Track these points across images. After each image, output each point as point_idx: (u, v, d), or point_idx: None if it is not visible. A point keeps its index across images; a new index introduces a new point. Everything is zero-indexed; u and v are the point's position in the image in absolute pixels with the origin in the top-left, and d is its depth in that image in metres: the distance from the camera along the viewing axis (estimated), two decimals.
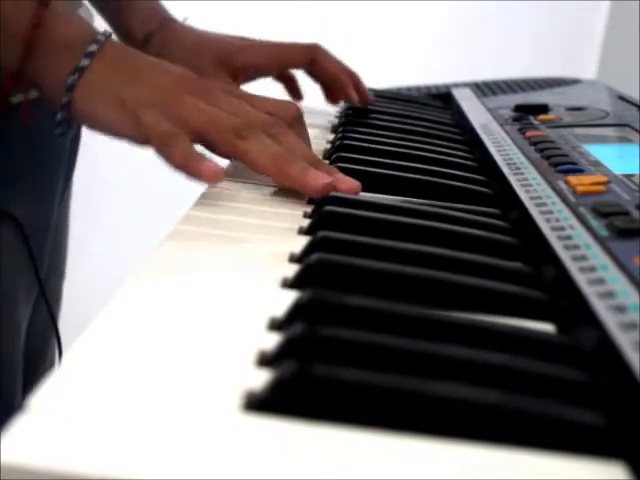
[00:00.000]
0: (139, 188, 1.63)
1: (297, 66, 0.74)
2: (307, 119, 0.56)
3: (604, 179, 0.48)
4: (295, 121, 0.54)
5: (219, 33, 0.74)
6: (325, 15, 1.59)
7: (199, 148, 0.50)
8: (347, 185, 0.49)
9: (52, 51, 0.51)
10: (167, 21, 0.73)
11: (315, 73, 0.73)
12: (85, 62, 0.50)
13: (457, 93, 0.84)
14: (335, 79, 0.73)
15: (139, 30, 0.72)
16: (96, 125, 0.52)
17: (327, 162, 0.59)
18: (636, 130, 0.62)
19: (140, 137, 0.50)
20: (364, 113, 0.74)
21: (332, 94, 0.76)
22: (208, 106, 0.50)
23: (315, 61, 0.72)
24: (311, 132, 0.57)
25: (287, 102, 0.57)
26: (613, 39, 1.59)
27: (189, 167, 0.48)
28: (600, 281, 0.35)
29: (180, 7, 0.77)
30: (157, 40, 0.71)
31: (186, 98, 0.50)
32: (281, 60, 0.73)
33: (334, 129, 0.72)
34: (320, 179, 0.48)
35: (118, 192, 1.67)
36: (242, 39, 0.74)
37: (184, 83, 0.52)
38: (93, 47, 0.50)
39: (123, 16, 0.73)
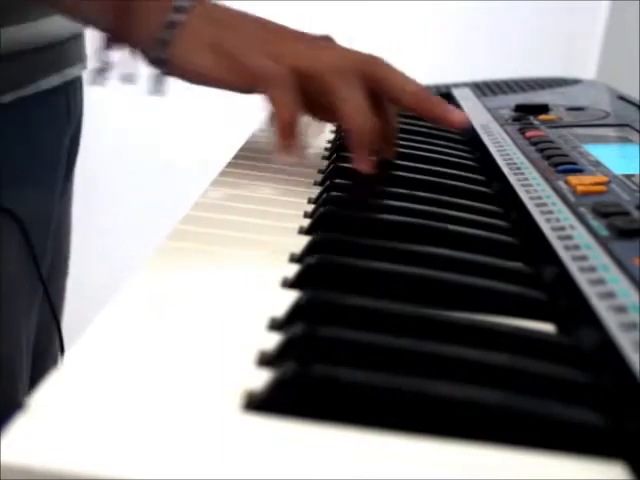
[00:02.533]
0: (139, 188, 1.64)
1: None
2: (307, 119, 0.56)
3: (604, 179, 0.48)
4: (383, 70, 0.54)
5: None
6: (325, 15, 1.59)
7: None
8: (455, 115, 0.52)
9: (144, 9, 0.52)
10: None
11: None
12: (178, 16, 0.51)
13: (457, 93, 0.84)
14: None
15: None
16: (196, 76, 0.53)
17: (327, 162, 0.59)
18: (636, 130, 0.62)
19: (246, 83, 0.51)
20: None
21: None
22: (309, 49, 0.51)
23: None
24: (311, 133, 0.57)
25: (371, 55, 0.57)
26: (613, 39, 1.59)
27: (285, 124, 0.49)
28: (600, 281, 0.35)
29: None
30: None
31: (284, 42, 0.51)
32: None
33: (335, 129, 0.72)
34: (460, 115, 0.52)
35: (118, 192, 1.67)
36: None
37: (280, 31, 0.53)
38: (184, 2, 0.51)
39: None
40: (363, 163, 0.50)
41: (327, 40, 0.55)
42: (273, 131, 0.51)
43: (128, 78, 0.56)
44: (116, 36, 0.53)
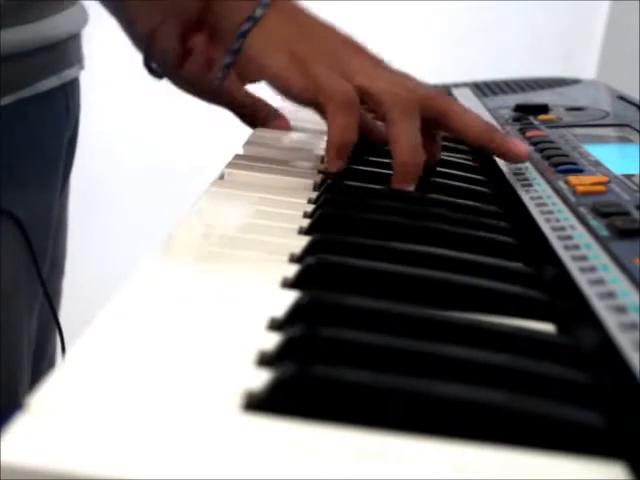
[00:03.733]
0: (139, 188, 1.64)
1: None
2: (307, 119, 0.56)
3: (604, 179, 0.48)
4: (450, 106, 0.54)
5: None
6: (325, 15, 1.59)
7: None
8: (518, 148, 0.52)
9: (229, 1, 0.53)
10: None
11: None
12: (260, 12, 0.52)
13: (457, 93, 0.84)
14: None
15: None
16: (264, 73, 0.53)
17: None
18: (636, 130, 0.62)
19: (307, 89, 0.51)
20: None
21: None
22: (378, 69, 0.52)
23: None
24: (311, 134, 0.57)
25: (439, 90, 0.58)
26: (613, 39, 1.59)
27: (341, 139, 0.50)
28: (600, 281, 0.35)
29: None
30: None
31: (355, 58, 0.52)
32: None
33: None
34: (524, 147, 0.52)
35: (118, 192, 1.67)
36: None
37: (353, 46, 0.53)
38: None
39: None
40: (401, 186, 0.51)
41: (393, 68, 0.55)
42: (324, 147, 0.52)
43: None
44: (197, 26, 0.55)
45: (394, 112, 0.50)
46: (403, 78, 0.53)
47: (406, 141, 0.50)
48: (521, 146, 0.53)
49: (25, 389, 0.70)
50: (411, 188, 0.51)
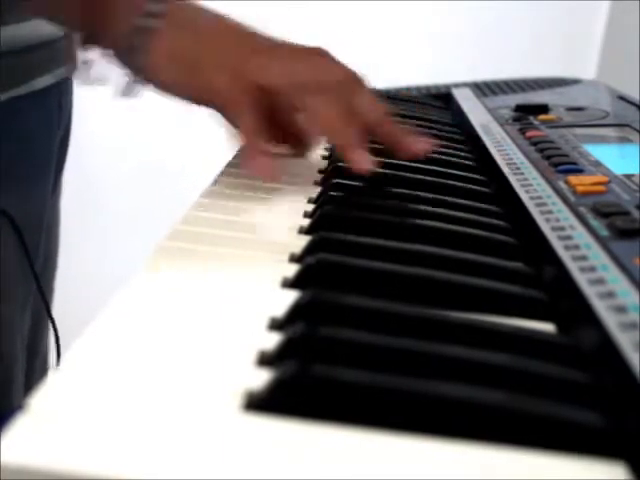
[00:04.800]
0: (139, 188, 1.63)
1: None
2: None
3: (604, 179, 0.48)
4: (357, 96, 0.53)
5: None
6: (325, 15, 1.59)
7: None
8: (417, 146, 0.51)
9: (119, 11, 0.51)
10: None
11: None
12: (152, 22, 0.50)
13: (457, 93, 0.84)
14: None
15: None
16: (161, 85, 0.52)
17: (327, 162, 0.59)
18: (636, 130, 0.62)
19: (205, 98, 0.50)
20: None
21: None
22: (276, 64, 0.50)
23: None
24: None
25: (353, 73, 0.56)
26: (613, 39, 1.59)
27: (247, 149, 0.49)
28: (600, 281, 0.35)
29: None
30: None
31: (252, 58, 0.50)
32: None
33: None
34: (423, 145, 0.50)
35: (117, 192, 1.67)
36: None
37: (251, 42, 0.51)
38: (161, 7, 0.50)
39: None
40: (358, 163, 0.49)
41: (317, 53, 0.53)
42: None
43: (100, 79, 0.55)
44: (88, 37, 0.52)
45: (301, 98, 0.50)
46: (314, 64, 0.52)
47: (323, 117, 0.49)
48: (423, 143, 0.52)
49: (20, 385, 0.70)
50: (366, 165, 0.49)
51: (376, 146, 0.61)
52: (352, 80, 0.52)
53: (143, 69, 0.50)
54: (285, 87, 0.50)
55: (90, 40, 0.53)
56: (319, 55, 0.54)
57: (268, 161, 0.49)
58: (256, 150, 0.49)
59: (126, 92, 0.53)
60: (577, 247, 0.39)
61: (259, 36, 0.53)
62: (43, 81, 0.64)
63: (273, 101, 0.50)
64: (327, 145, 0.66)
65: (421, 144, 0.51)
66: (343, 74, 0.52)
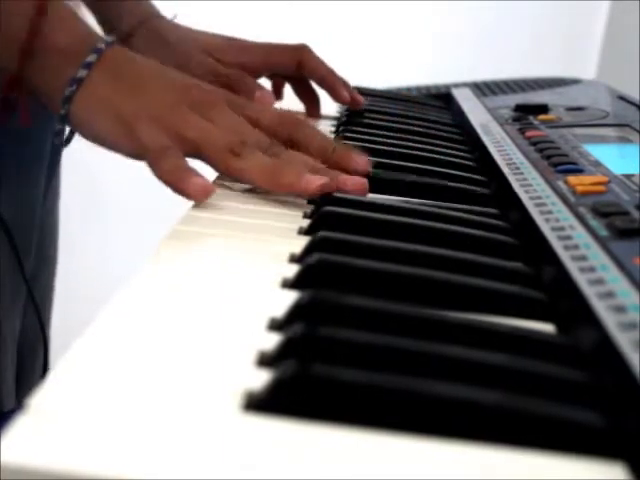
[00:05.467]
0: (139, 188, 1.63)
1: (285, 67, 0.72)
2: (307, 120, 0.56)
3: (604, 179, 0.48)
4: (298, 129, 0.53)
5: (206, 31, 0.73)
6: (325, 15, 1.59)
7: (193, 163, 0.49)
8: (353, 183, 0.49)
9: (50, 59, 0.50)
10: (152, 16, 0.72)
11: (303, 74, 0.73)
12: (83, 73, 0.49)
13: (457, 93, 0.84)
14: (323, 80, 0.72)
15: (123, 24, 0.70)
16: (91, 136, 0.51)
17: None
18: (636, 130, 0.62)
19: (135, 151, 0.49)
20: (364, 113, 0.74)
21: (312, 104, 0.75)
22: (205, 122, 0.50)
23: (302, 63, 0.71)
24: None
25: (288, 112, 0.56)
26: (613, 39, 1.59)
27: (176, 182, 0.47)
28: (600, 281, 0.35)
29: (168, 6, 0.77)
30: (141, 35, 0.70)
31: (184, 112, 0.50)
32: (268, 61, 0.72)
33: (334, 129, 0.72)
34: (316, 180, 0.48)
35: (117, 192, 1.67)
36: (230, 39, 0.73)
37: (185, 95, 0.51)
38: (92, 57, 0.49)
39: (107, 9, 0.72)
40: (310, 188, 0.48)
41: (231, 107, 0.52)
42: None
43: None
44: (20, 81, 0.51)
45: (220, 158, 0.49)
46: (237, 122, 0.51)
47: (248, 171, 0.49)
48: (354, 181, 0.50)
49: (10, 387, 0.70)
50: (356, 188, 0.49)
51: (373, 146, 0.61)
52: (271, 141, 0.52)
53: (67, 118, 0.50)
54: (207, 146, 0.49)
55: (22, 86, 0.51)
56: (254, 108, 0.54)
57: (199, 185, 0.47)
58: (185, 174, 0.47)
59: (58, 139, 0.52)
60: (577, 247, 0.39)
61: (202, 90, 0.52)
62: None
63: (199, 155, 0.50)
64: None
65: (316, 181, 0.48)
66: (262, 136, 0.51)
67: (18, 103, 0.56)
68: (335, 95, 0.72)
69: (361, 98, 0.74)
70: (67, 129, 0.54)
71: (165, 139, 0.48)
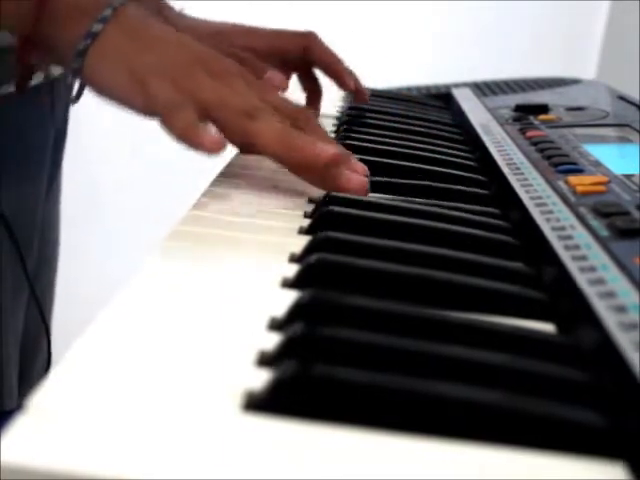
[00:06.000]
0: (139, 188, 1.63)
1: (291, 52, 0.72)
2: None
3: (604, 179, 0.48)
4: (308, 121, 0.53)
5: (213, 20, 0.73)
6: (325, 15, 1.59)
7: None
8: (357, 181, 0.49)
9: (65, 14, 0.50)
10: (163, 7, 0.73)
11: (310, 61, 0.73)
12: (98, 27, 0.49)
13: (457, 93, 0.84)
14: (329, 67, 0.72)
15: None
16: (103, 90, 0.51)
17: None
18: (636, 130, 0.62)
19: (147, 107, 0.49)
20: (364, 113, 0.74)
21: (314, 95, 0.75)
22: (220, 85, 0.49)
23: (310, 48, 0.71)
24: None
25: (300, 106, 0.55)
26: (613, 39, 1.59)
27: (190, 136, 0.47)
28: (600, 281, 0.35)
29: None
30: None
31: (198, 74, 0.49)
32: (275, 45, 0.72)
33: (334, 129, 0.72)
34: (330, 149, 0.48)
35: (118, 192, 1.67)
36: (236, 24, 0.73)
37: (200, 59, 0.51)
38: (107, 12, 0.49)
39: None
40: (323, 155, 0.48)
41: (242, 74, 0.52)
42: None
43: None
44: (34, 42, 0.51)
45: (238, 122, 0.49)
46: (248, 91, 0.51)
47: (262, 134, 0.48)
48: (356, 180, 0.49)
49: (12, 387, 0.70)
50: (357, 184, 0.49)
51: (373, 146, 0.61)
52: (287, 108, 0.52)
53: (81, 70, 0.50)
54: (224, 109, 0.49)
55: (35, 45, 0.52)
56: (267, 90, 0.53)
57: (214, 138, 0.47)
58: (199, 128, 0.47)
59: (69, 94, 0.52)
60: (577, 247, 0.39)
61: (218, 59, 0.52)
62: (34, 79, 0.64)
63: (212, 118, 0.49)
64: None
65: (331, 150, 0.49)
66: (279, 102, 0.51)
67: (34, 70, 0.56)
68: (340, 82, 0.72)
69: (366, 91, 0.74)
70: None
71: (178, 96, 0.48)
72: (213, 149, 0.47)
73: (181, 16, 0.73)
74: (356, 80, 0.73)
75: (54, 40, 0.51)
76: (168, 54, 0.50)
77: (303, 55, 0.72)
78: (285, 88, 0.69)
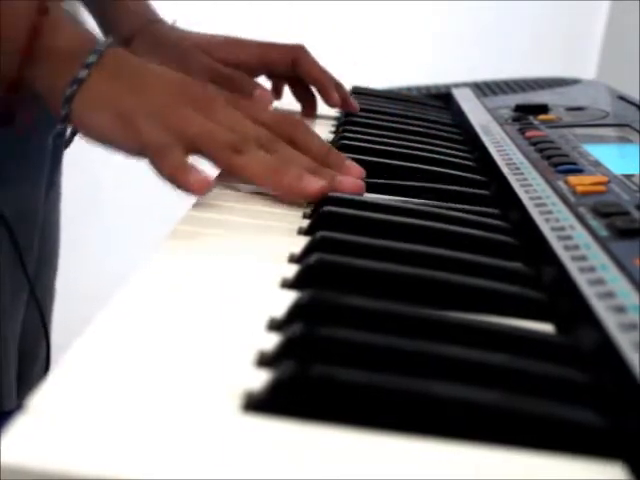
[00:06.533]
0: (139, 188, 1.63)
1: (280, 65, 0.73)
2: (307, 120, 0.56)
3: (604, 179, 0.48)
4: (296, 131, 0.53)
5: (204, 33, 0.74)
6: (325, 15, 1.59)
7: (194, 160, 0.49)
8: (349, 184, 0.49)
9: (50, 61, 0.50)
10: (152, 22, 0.73)
11: (298, 74, 0.73)
12: (83, 73, 0.49)
13: (457, 93, 0.84)
14: (315, 81, 0.73)
15: (123, 28, 0.71)
16: (93, 135, 0.51)
17: None
18: (636, 130, 0.62)
19: (136, 148, 0.49)
20: (364, 113, 0.74)
21: (308, 103, 0.75)
22: (206, 119, 0.50)
23: (298, 62, 0.72)
24: None
25: (287, 114, 0.56)
26: (613, 39, 1.59)
27: (177, 178, 0.47)
28: (600, 281, 0.35)
29: (164, 7, 0.77)
30: (141, 38, 0.71)
31: (184, 110, 0.50)
32: (264, 59, 0.72)
33: (333, 130, 0.72)
34: (315, 183, 0.48)
35: (118, 192, 1.67)
36: (227, 37, 0.73)
37: (184, 93, 0.51)
38: (92, 58, 0.49)
39: (108, 13, 0.72)
40: (309, 191, 0.48)
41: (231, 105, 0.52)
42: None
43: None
44: (20, 86, 0.51)
45: (223, 157, 0.49)
46: (237, 119, 0.51)
47: (249, 168, 0.49)
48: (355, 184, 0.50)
49: (11, 388, 0.70)
50: (354, 188, 0.49)
51: (373, 146, 0.61)
52: (271, 137, 0.52)
53: (69, 118, 0.50)
54: (209, 145, 0.49)
55: (21, 88, 0.52)
56: (253, 108, 0.53)
57: (200, 179, 0.47)
58: (186, 169, 0.48)
59: (59, 140, 0.52)
60: (577, 247, 0.39)
61: (202, 89, 0.52)
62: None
63: (200, 152, 0.50)
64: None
65: (315, 184, 0.49)
66: (263, 132, 0.51)
67: (18, 105, 0.56)
68: (326, 97, 0.73)
69: (356, 105, 0.74)
70: (68, 131, 0.54)
71: (165, 136, 0.49)
72: (199, 190, 0.48)
73: (173, 29, 0.73)
74: (344, 93, 0.74)
75: (41, 85, 0.51)
76: (153, 93, 0.50)
77: (291, 69, 0.72)
78: (275, 100, 0.69)
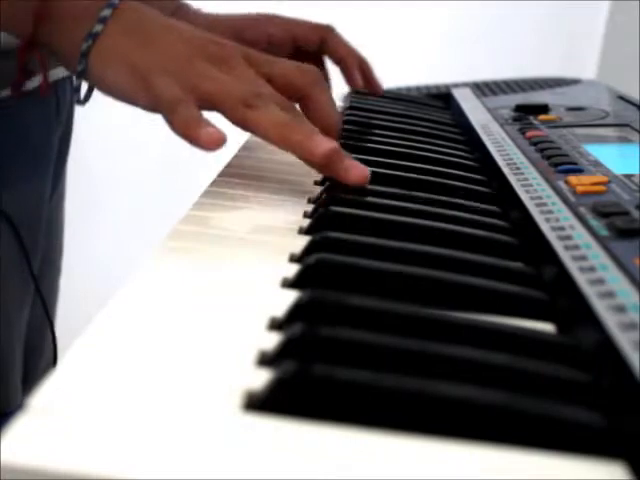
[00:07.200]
0: (139, 188, 1.63)
1: (308, 43, 0.73)
2: None
3: (604, 179, 0.48)
4: (315, 86, 0.53)
5: (232, 14, 0.74)
6: (326, 15, 1.59)
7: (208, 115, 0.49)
8: (356, 173, 0.49)
9: (65, 16, 0.50)
10: (182, 6, 0.74)
11: (325, 53, 0.73)
12: (99, 27, 0.49)
13: (457, 93, 0.84)
14: (342, 61, 0.73)
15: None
16: (108, 90, 0.51)
17: None
18: (636, 130, 0.62)
19: (150, 104, 0.49)
20: (364, 113, 0.74)
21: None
22: (220, 73, 0.50)
23: (326, 40, 0.72)
24: None
25: (307, 66, 0.55)
26: (613, 39, 1.59)
27: (188, 133, 0.47)
28: (600, 281, 0.35)
29: None
30: None
31: (198, 64, 0.50)
32: (293, 34, 0.73)
33: None
34: (325, 144, 0.48)
35: (118, 192, 1.67)
36: (256, 15, 0.74)
37: (199, 48, 0.51)
38: (107, 12, 0.49)
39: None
40: (318, 150, 0.48)
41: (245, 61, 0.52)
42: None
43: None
44: (36, 44, 0.52)
45: (237, 110, 0.49)
46: (252, 76, 0.51)
47: (261, 123, 0.49)
48: (359, 170, 0.49)
49: (16, 385, 0.70)
50: (357, 174, 0.48)
51: (373, 146, 0.61)
52: (305, 82, 0.52)
53: (85, 72, 0.50)
54: (223, 98, 0.49)
55: (36, 46, 0.52)
56: (272, 62, 0.53)
57: (212, 135, 0.47)
58: (198, 124, 0.47)
59: (76, 96, 0.53)
60: (577, 247, 0.39)
61: (218, 45, 0.52)
62: (37, 80, 0.64)
63: (214, 107, 0.49)
64: None
65: (326, 144, 0.48)
66: (278, 95, 0.51)
67: (34, 72, 0.56)
68: (348, 78, 0.73)
69: (380, 87, 0.76)
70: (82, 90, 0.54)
71: (179, 91, 0.48)
72: (211, 145, 0.47)
73: (198, 13, 0.74)
74: (370, 74, 0.74)
75: (56, 42, 0.51)
76: (168, 48, 0.50)
77: (319, 46, 0.72)
78: None
